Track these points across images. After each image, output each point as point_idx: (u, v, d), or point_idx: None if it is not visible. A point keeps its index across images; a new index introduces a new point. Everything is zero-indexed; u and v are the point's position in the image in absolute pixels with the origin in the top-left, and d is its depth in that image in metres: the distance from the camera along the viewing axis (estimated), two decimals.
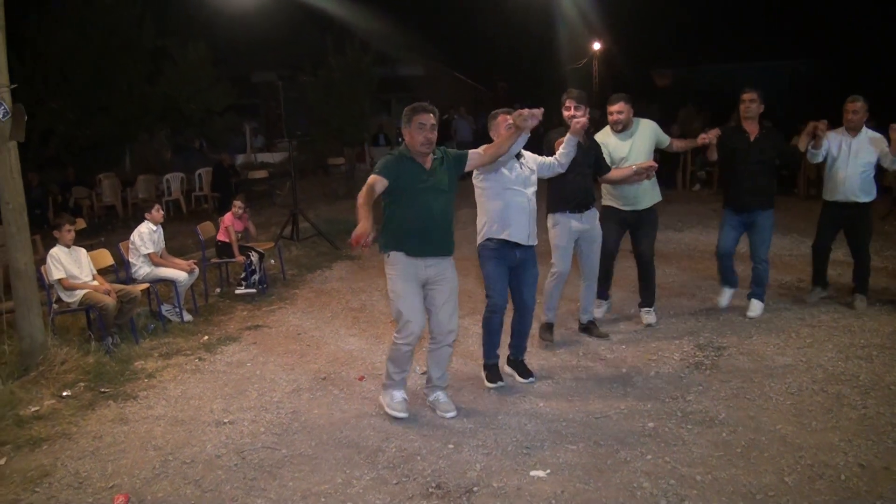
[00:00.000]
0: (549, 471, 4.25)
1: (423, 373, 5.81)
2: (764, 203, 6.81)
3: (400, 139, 4.83)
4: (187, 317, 7.92)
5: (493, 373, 5.69)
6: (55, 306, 7.04)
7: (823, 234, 7.26)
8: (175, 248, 9.90)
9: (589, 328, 6.78)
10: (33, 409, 5.50)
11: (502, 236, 5.44)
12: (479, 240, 5.57)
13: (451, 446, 4.63)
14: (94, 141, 18.01)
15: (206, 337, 7.30)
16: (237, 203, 9.20)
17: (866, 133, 6.93)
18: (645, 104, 20.86)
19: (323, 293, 8.92)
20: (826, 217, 7.22)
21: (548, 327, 6.53)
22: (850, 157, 6.88)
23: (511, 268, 5.54)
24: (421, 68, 32.35)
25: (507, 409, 5.19)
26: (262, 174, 19.50)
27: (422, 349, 5.60)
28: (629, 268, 7.37)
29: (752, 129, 6.77)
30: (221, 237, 8.99)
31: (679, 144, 7.12)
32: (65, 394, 5.79)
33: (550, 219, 6.32)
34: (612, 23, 28.92)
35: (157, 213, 8.01)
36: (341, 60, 20.50)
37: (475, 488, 4.11)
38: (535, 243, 5.60)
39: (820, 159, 6.99)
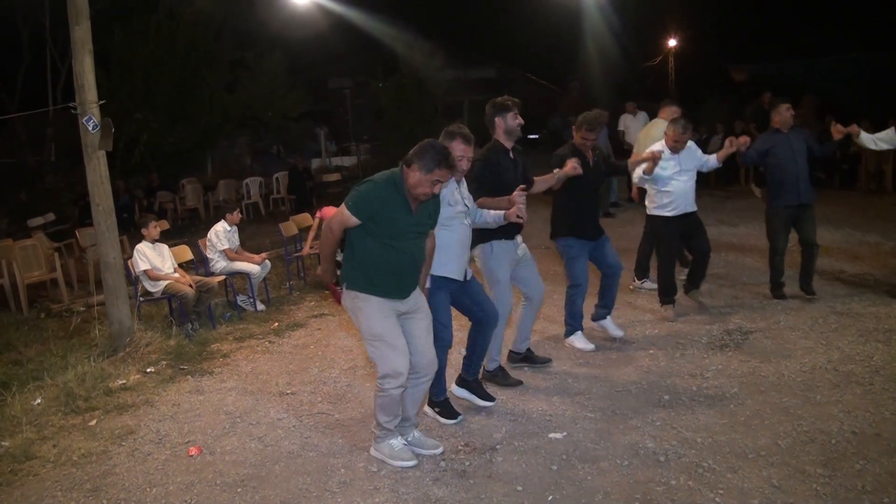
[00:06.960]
0: (565, 433, 4.77)
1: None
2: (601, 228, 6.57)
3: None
4: (260, 306, 8.65)
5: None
6: (141, 298, 7.84)
7: (672, 245, 7.25)
8: (253, 247, 10.69)
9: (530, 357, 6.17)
10: (121, 382, 6.27)
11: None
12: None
13: (482, 414, 5.19)
14: (177, 148, 19.02)
15: (277, 323, 8.00)
16: None
17: (689, 145, 6.98)
18: (717, 100, 21.16)
19: None
20: (670, 230, 7.10)
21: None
22: (683, 172, 6.95)
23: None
24: (493, 70, 32.92)
25: (537, 384, 5.70)
26: (335, 177, 20.27)
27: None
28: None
29: (588, 153, 6.33)
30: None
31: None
32: (148, 370, 6.55)
33: (482, 249, 5.49)
34: (689, 18, 28.76)
35: (236, 215, 8.78)
36: (410, 66, 21.22)
37: (498, 446, 4.65)
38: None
39: (646, 184, 7.08)
